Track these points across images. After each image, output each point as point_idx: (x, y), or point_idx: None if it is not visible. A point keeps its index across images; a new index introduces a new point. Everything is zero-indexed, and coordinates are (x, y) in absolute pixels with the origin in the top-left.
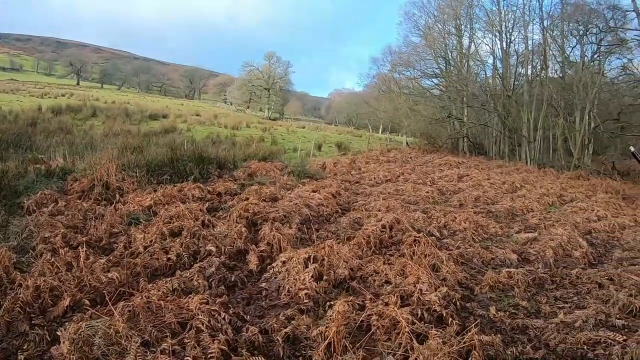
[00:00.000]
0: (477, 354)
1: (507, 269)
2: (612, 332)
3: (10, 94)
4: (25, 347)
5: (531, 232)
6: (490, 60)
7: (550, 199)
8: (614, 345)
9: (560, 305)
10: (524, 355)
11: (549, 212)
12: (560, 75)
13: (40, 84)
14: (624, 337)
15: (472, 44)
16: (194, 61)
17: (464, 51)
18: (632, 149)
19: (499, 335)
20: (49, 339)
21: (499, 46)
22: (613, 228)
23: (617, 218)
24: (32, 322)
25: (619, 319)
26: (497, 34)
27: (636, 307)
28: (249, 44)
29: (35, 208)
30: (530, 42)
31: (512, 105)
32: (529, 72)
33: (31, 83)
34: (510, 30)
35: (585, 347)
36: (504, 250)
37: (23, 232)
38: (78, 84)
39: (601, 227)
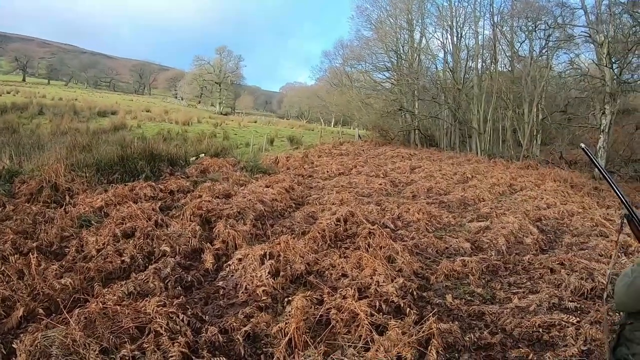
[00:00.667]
0: (436, 342)
1: (461, 258)
2: (565, 315)
3: None
4: None
5: (483, 220)
6: (442, 55)
7: (501, 189)
8: (568, 327)
9: (515, 291)
10: (482, 340)
11: (500, 201)
12: (510, 69)
13: None
14: (577, 318)
15: (424, 38)
16: (143, 55)
17: (415, 45)
18: (582, 145)
19: (457, 323)
20: (5, 352)
21: (450, 40)
22: (562, 215)
23: (565, 205)
24: None
25: (571, 301)
26: (449, 28)
27: (587, 290)
28: (196, 36)
29: None
30: (480, 37)
31: (462, 98)
32: (479, 66)
33: None
34: (462, 26)
35: (540, 330)
36: (457, 240)
37: None
38: (24, 80)
39: (551, 214)
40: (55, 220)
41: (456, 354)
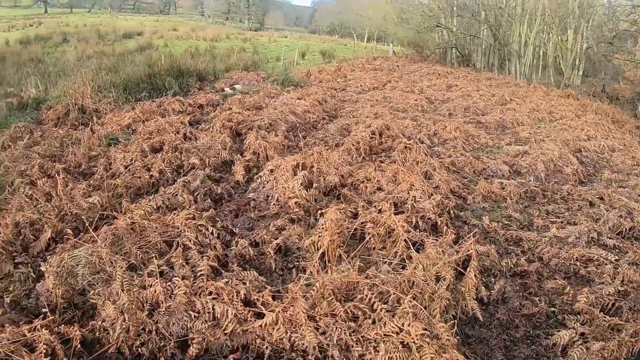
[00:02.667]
0: (474, 264)
1: (499, 180)
2: (604, 251)
3: None
4: (11, 289)
5: (522, 145)
6: None
7: (540, 115)
8: (607, 265)
9: (553, 220)
10: (518, 267)
11: (539, 127)
12: None
13: (4, 18)
14: (616, 257)
15: None
16: None
17: None
18: None
19: (494, 246)
20: (34, 276)
21: None
22: (602, 149)
23: (606, 140)
24: (16, 260)
25: (610, 238)
26: None
27: (626, 229)
28: None
29: (10, 143)
30: None
31: (503, 18)
32: None
33: None
34: None
35: (578, 264)
36: (495, 161)
37: None
38: (46, 11)
39: (591, 147)
40: (83, 141)
41: (492, 279)
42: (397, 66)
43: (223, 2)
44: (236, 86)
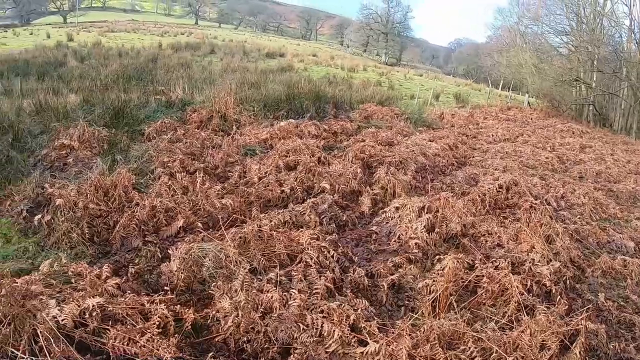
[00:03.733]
0: (582, 340)
1: (623, 257)
2: None
3: (131, 32)
4: (136, 262)
5: None
6: (627, 22)
7: None
8: None
9: None
10: (625, 353)
11: None
12: None
13: (159, 23)
14: None
15: (608, 1)
16: (309, 2)
17: (598, 9)
18: None
19: (604, 326)
20: (160, 256)
21: (637, 7)
22: None
23: None
24: (146, 239)
25: None
26: None
27: None
28: None
29: (155, 135)
30: None
31: None
32: None
33: (151, 23)
34: None
35: None
36: (621, 235)
37: (143, 157)
38: (196, 23)
39: None
40: (222, 147)
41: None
42: (531, 119)
43: (362, 35)
44: None
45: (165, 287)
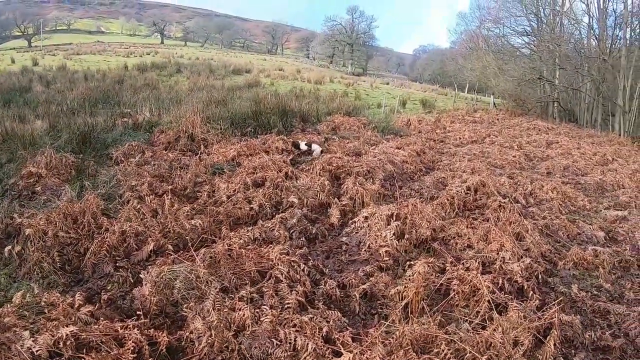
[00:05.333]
0: (555, 333)
1: (593, 247)
2: None
3: (97, 54)
4: (109, 288)
5: (621, 210)
6: (586, 20)
7: None
8: None
9: None
10: (602, 341)
11: None
12: None
13: (125, 44)
14: None
15: (567, 0)
16: (274, 17)
17: (557, 8)
18: None
19: (579, 317)
20: (132, 281)
21: (595, 4)
22: None
23: None
24: (117, 264)
25: None
26: None
27: None
28: None
29: (123, 159)
30: (629, 1)
31: (607, 71)
32: (628, 35)
33: (117, 44)
34: None
35: None
36: (591, 226)
37: (111, 181)
38: (162, 42)
39: None
40: (190, 167)
41: (572, 350)
42: (497, 119)
43: (328, 46)
44: (314, 146)
45: (139, 312)
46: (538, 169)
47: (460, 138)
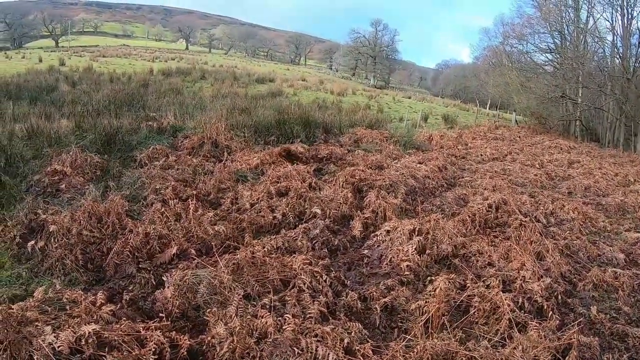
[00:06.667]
0: (574, 354)
1: (613, 269)
2: None
3: (122, 58)
4: (130, 288)
5: None
6: (610, 38)
7: None
8: None
9: None
10: None
11: None
12: None
13: (150, 49)
14: None
15: (591, 18)
16: (298, 27)
17: (581, 26)
18: None
19: (597, 339)
20: (154, 283)
21: (619, 22)
22: None
23: None
24: (140, 265)
25: None
26: (619, 8)
27: None
28: (350, 6)
29: (147, 161)
30: None
31: (631, 90)
32: None
33: (142, 48)
34: (633, 5)
35: None
36: (611, 248)
37: (135, 183)
38: (187, 48)
39: None
40: (214, 173)
41: None
42: (519, 137)
43: (351, 58)
44: None
45: (160, 314)
46: (559, 188)
47: (481, 155)
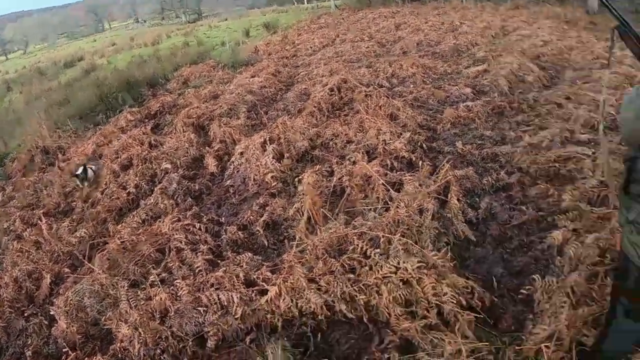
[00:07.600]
0: (454, 188)
1: (465, 104)
2: (579, 147)
3: None
4: (29, 342)
5: (480, 64)
6: None
7: (493, 31)
8: (584, 159)
9: (524, 129)
10: (500, 181)
11: (494, 43)
12: None
13: None
14: (592, 150)
15: None
16: None
17: None
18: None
19: (471, 167)
20: (47, 322)
21: None
22: (561, 50)
23: (562, 41)
24: (25, 314)
25: (583, 134)
26: None
27: (597, 122)
28: None
29: None
30: None
31: None
32: None
33: None
34: None
35: (557, 165)
36: (457, 87)
37: None
38: None
39: (548, 51)
40: (54, 182)
41: (477, 198)
42: (342, 19)
43: (155, 2)
44: (90, 167)
45: (65, 349)
46: (393, 51)
47: (311, 47)
